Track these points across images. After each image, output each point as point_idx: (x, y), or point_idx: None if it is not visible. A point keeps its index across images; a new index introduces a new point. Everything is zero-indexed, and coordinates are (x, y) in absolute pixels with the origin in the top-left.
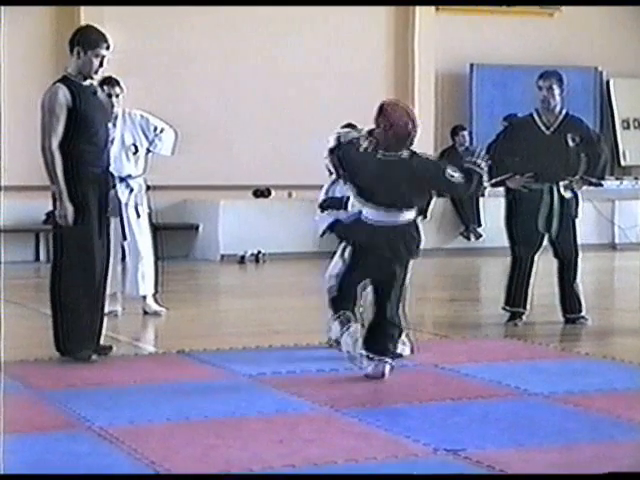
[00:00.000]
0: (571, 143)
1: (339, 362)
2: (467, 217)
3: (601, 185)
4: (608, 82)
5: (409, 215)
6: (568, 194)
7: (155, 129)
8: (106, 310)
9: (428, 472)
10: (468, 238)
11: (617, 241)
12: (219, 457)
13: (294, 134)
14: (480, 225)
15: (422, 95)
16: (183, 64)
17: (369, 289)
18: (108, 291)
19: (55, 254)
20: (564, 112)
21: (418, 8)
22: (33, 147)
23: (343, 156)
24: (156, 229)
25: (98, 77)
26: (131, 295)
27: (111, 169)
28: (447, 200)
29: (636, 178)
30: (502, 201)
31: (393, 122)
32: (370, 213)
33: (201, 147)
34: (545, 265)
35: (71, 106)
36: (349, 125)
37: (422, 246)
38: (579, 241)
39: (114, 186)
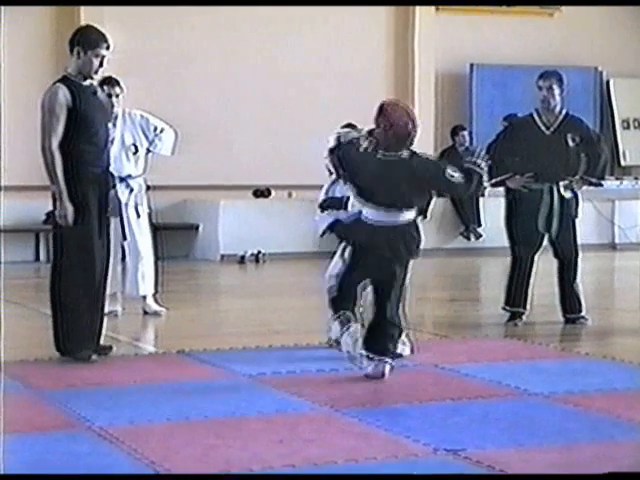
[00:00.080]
0: (571, 143)
1: (339, 362)
2: (467, 217)
3: (601, 185)
4: (608, 82)
5: (409, 215)
6: (568, 194)
7: (155, 129)
8: (106, 310)
9: (428, 472)
10: (468, 238)
11: (617, 241)
12: (219, 457)
13: (294, 134)
14: (480, 225)
15: (422, 95)
16: (183, 64)
17: (369, 289)
18: (108, 291)
19: (55, 254)
20: (564, 112)
21: (418, 8)
22: (33, 147)
23: (343, 156)
24: (156, 229)
25: (98, 77)
26: (131, 295)
27: (111, 169)
28: (447, 200)
29: (636, 178)
30: (502, 201)
31: (393, 122)
32: (370, 213)
33: (201, 147)
34: (545, 265)
35: (71, 106)
36: (349, 125)
37: (422, 246)
38: (579, 241)
39: (114, 186)
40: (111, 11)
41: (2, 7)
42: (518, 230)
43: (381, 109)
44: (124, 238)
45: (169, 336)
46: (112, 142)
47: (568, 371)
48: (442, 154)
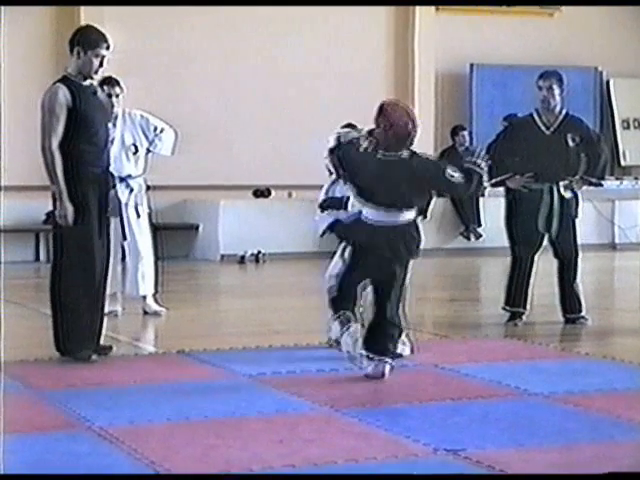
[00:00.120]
0: (571, 143)
1: (339, 362)
2: (467, 217)
3: (601, 185)
4: (608, 82)
5: (409, 215)
6: (568, 194)
7: (155, 129)
8: (106, 310)
9: (428, 472)
10: (468, 238)
11: (617, 241)
12: (219, 457)
13: (294, 134)
14: (480, 225)
15: (422, 95)
16: (183, 64)
17: (369, 289)
18: (108, 291)
19: (55, 254)
20: (564, 112)
21: (418, 8)
22: (33, 147)
23: (343, 156)
24: (156, 229)
25: (98, 77)
26: (131, 295)
27: (111, 169)
28: (447, 200)
29: (636, 178)
30: (502, 201)
31: (393, 122)
32: (370, 213)
33: (201, 147)
34: (545, 265)
35: (71, 106)
36: (349, 125)
37: (422, 246)
38: (579, 241)
39: (114, 186)
40: (111, 11)
41: (2, 7)
42: (518, 230)
43: (381, 109)
44: (124, 238)
45: (169, 336)
46: (112, 142)
47: (568, 371)
48: (442, 154)
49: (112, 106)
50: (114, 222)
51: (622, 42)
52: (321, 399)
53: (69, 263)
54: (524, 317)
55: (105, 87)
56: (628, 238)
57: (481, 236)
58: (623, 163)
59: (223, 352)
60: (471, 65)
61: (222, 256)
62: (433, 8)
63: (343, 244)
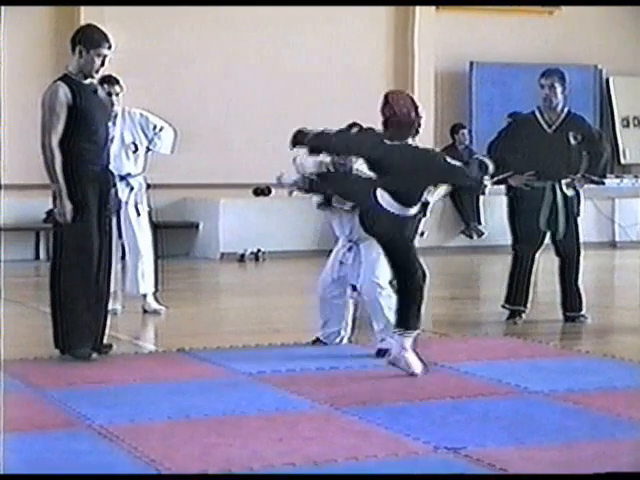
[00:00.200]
0: (573, 141)
1: (339, 360)
2: (467, 215)
3: (603, 183)
4: (608, 80)
5: (412, 211)
6: (570, 192)
7: (154, 127)
8: None
9: (428, 470)
10: (470, 236)
11: (617, 239)
12: (219, 455)
13: None
14: (480, 223)
15: (422, 93)
16: (183, 64)
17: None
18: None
19: (54, 252)
20: (566, 110)
21: (418, 7)
22: (33, 146)
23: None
24: (156, 227)
25: (98, 76)
26: (131, 293)
27: (111, 167)
28: (447, 198)
29: (636, 176)
30: (503, 199)
31: (397, 110)
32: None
33: (201, 146)
34: (546, 263)
35: (71, 104)
36: (354, 124)
37: (423, 245)
38: (580, 239)
39: (115, 184)
40: (111, 11)
41: (2, 7)
42: (520, 228)
43: (386, 99)
44: (119, 236)
45: (169, 334)
46: (112, 141)
47: (568, 369)
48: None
49: (112, 105)
50: (116, 220)
51: (622, 40)
52: (321, 397)
53: (68, 261)
54: (524, 315)
55: (105, 86)
56: (628, 236)
57: (483, 234)
58: (623, 161)
59: (223, 350)
60: (471, 63)
61: (222, 254)
62: (433, 7)
63: (340, 244)
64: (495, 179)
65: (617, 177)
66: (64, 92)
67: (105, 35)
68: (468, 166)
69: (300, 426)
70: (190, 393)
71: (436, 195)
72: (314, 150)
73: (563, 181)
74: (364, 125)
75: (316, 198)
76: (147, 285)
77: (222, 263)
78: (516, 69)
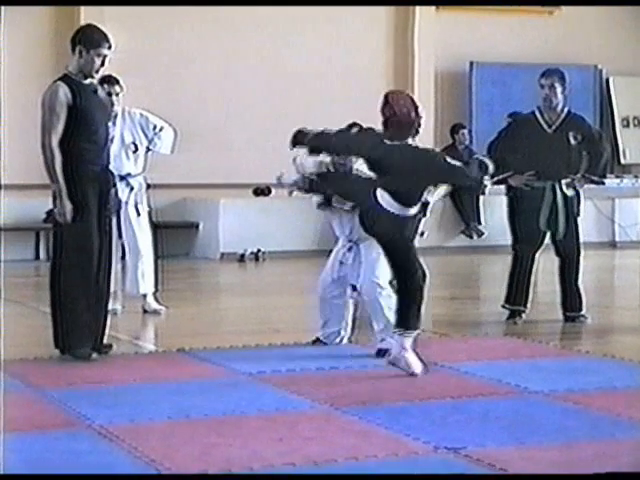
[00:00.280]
0: (573, 141)
1: (339, 360)
2: (467, 215)
3: (603, 183)
4: (608, 80)
5: (412, 211)
6: (570, 192)
7: (154, 127)
8: None
9: (428, 470)
10: (470, 236)
11: (617, 239)
12: (219, 455)
13: None
14: (480, 223)
15: (422, 93)
16: (183, 64)
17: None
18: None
19: (54, 252)
20: (566, 110)
21: (418, 7)
22: (33, 146)
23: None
24: (156, 227)
25: (98, 76)
26: (131, 293)
27: (111, 167)
28: (447, 198)
29: (636, 176)
30: (503, 199)
31: (397, 110)
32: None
33: (201, 146)
34: (546, 263)
35: (71, 104)
36: (354, 124)
37: (423, 245)
38: (580, 239)
39: (115, 184)
40: (111, 11)
41: (2, 7)
42: (520, 228)
43: (386, 99)
44: (119, 236)
45: (169, 334)
46: (112, 141)
47: (568, 369)
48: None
49: (112, 105)
50: (116, 220)
51: (622, 40)
52: (321, 397)
53: (68, 261)
54: (524, 315)
55: (105, 86)
56: (628, 236)
57: (483, 234)
58: (623, 161)
59: (223, 350)
60: (471, 63)
61: (222, 254)
62: (433, 7)
63: (340, 244)
64: (495, 179)
65: (617, 177)
66: (64, 92)
67: (105, 35)
68: (468, 166)
69: (300, 426)
70: (190, 393)
71: (436, 195)
72: (314, 150)
73: (563, 181)
74: (364, 125)
75: (316, 198)
76: (147, 285)
77: (222, 263)
78: (516, 69)
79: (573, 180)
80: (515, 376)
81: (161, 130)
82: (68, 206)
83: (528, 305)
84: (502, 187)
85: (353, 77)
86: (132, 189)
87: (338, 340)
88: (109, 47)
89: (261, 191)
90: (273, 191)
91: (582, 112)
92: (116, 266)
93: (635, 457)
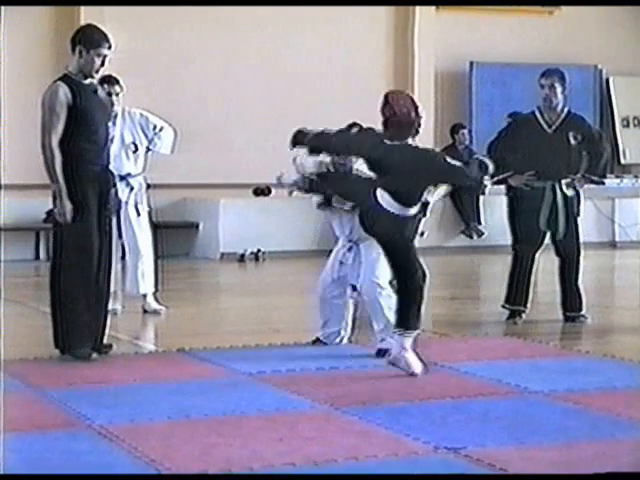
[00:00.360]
0: (573, 141)
1: (339, 360)
2: (467, 215)
3: (603, 183)
4: (608, 80)
5: (412, 211)
6: (570, 192)
7: (154, 127)
8: None
9: (428, 470)
10: (471, 237)
11: (617, 239)
12: (219, 455)
13: None
14: (480, 223)
15: (422, 93)
16: (183, 64)
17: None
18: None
19: (54, 252)
20: (566, 110)
21: (418, 7)
22: (33, 146)
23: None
24: (156, 227)
25: (98, 76)
26: (131, 293)
27: (111, 167)
28: (447, 198)
29: (636, 176)
30: (503, 199)
31: (397, 110)
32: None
33: (201, 146)
34: (546, 263)
35: (71, 104)
36: (354, 124)
37: (423, 245)
38: (581, 239)
39: (115, 184)
40: (111, 11)
41: (2, 7)
42: (520, 228)
43: (386, 99)
44: (119, 236)
45: (169, 334)
46: (112, 141)
47: (568, 369)
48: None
49: (112, 105)
50: (116, 220)
51: (622, 40)
52: (321, 397)
53: (68, 261)
54: (524, 315)
55: (105, 86)
56: (628, 236)
57: (483, 234)
58: (623, 161)
59: (223, 350)
60: (471, 63)
61: (222, 254)
62: (433, 7)
63: (340, 244)
64: (495, 179)
65: (617, 177)
66: (64, 92)
67: (105, 35)
68: (468, 166)
69: (300, 426)
70: (190, 393)
71: (436, 195)
72: (314, 150)
73: (563, 181)
74: (364, 125)
75: (316, 198)
76: (147, 285)
77: (222, 263)
78: (516, 69)
79: (573, 180)
80: (515, 376)
81: (161, 130)
82: (68, 206)
83: (528, 305)
84: (502, 187)
85: (353, 77)
86: (132, 189)
87: (338, 340)
88: (109, 47)
89: (261, 191)
90: (273, 191)
91: (582, 112)
92: (116, 266)
93: (635, 457)
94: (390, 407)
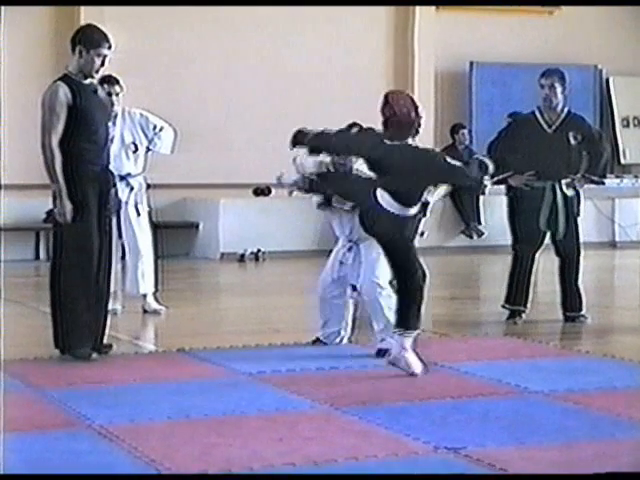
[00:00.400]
0: (573, 141)
1: (339, 360)
2: (467, 215)
3: (603, 183)
4: (608, 80)
5: (412, 211)
6: (570, 192)
7: (154, 127)
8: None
9: (428, 470)
10: (470, 237)
11: (617, 239)
12: (219, 455)
13: None
14: (480, 223)
15: (422, 93)
16: (183, 64)
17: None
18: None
19: (54, 252)
20: (566, 110)
21: (418, 7)
22: (33, 146)
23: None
24: (156, 227)
25: (98, 76)
26: (131, 293)
27: (111, 167)
28: (447, 198)
29: (636, 176)
30: (503, 199)
31: (397, 110)
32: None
33: (201, 146)
34: (546, 263)
35: (71, 104)
36: (354, 124)
37: (423, 245)
38: (580, 239)
39: (115, 184)
40: (111, 11)
41: (2, 7)
42: (520, 228)
43: (386, 99)
44: (119, 236)
45: (169, 334)
46: (112, 141)
47: (568, 369)
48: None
49: (112, 105)
50: (116, 220)
51: (622, 40)
52: (321, 397)
53: (68, 261)
54: (524, 315)
55: (105, 86)
56: (628, 236)
57: (483, 234)
58: (623, 161)
59: (223, 350)
60: (471, 63)
61: (222, 254)
62: (433, 7)
63: (340, 244)
64: (495, 179)
65: (617, 177)
66: (64, 92)
67: (105, 35)
68: (468, 166)
69: (300, 426)
70: (190, 393)
71: (436, 195)
72: (314, 150)
73: (563, 181)
74: (364, 125)
75: (316, 198)
76: (147, 285)
77: (222, 263)
78: (516, 69)
79: (573, 180)
80: (515, 376)
81: (161, 130)
82: (68, 206)
83: (528, 305)
84: (502, 187)
85: (353, 77)
86: (132, 189)
87: (338, 340)
88: (109, 47)
89: (261, 191)
90: (273, 191)
91: (582, 112)
92: (116, 266)
93: (635, 457)
94: (390, 407)
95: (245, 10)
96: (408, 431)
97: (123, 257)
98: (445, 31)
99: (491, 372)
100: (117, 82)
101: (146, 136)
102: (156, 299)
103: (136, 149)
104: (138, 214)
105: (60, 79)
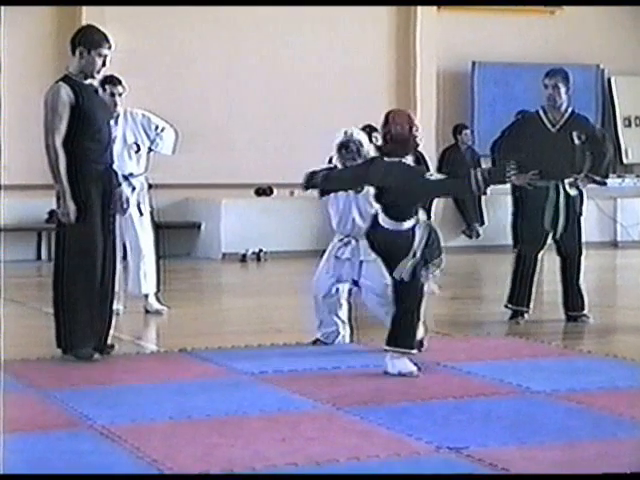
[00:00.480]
0: (576, 141)
1: (341, 360)
2: (469, 215)
3: (605, 184)
4: (610, 80)
5: (407, 224)
6: (573, 192)
7: (156, 128)
8: None
9: (430, 470)
10: (470, 237)
11: (619, 239)
12: (221, 455)
13: (296, 133)
14: (483, 223)
15: (424, 93)
16: (184, 64)
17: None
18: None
19: (57, 252)
20: (570, 110)
21: (420, 7)
22: (34, 146)
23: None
24: (158, 227)
25: (99, 76)
26: (133, 293)
27: (114, 167)
28: (449, 199)
29: (638, 176)
30: (505, 199)
31: (392, 128)
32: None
33: (203, 146)
34: (548, 263)
35: (74, 104)
36: (368, 127)
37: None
38: (583, 239)
39: (119, 184)
40: (112, 11)
41: (2, 7)
42: (524, 228)
43: (386, 118)
44: (120, 236)
45: (171, 334)
46: (114, 141)
47: (570, 369)
48: (444, 153)
49: (115, 105)
50: (118, 220)
51: (623, 40)
52: (323, 397)
53: (72, 262)
54: (527, 315)
55: (107, 86)
56: (630, 236)
57: (480, 235)
58: (625, 161)
59: (225, 350)
60: (473, 63)
61: (224, 254)
62: (435, 7)
63: (335, 239)
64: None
65: (619, 177)
66: (66, 92)
67: (105, 35)
68: (469, 176)
69: (302, 426)
70: (192, 393)
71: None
72: (327, 192)
73: (566, 180)
74: (373, 125)
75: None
76: (149, 285)
77: (224, 263)
78: (518, 69)
79: (576, 180)
80: (517, 376)
81: (162, 130)
82: (72, 207)
83: (531, 305)
84: (505, 187)
85: (355, 78)
86: (134, 189)
87: (338, 339)
88: (109, 47)
89: (263, 191)
90: (275, 191)
91: (584, 112)
92: (118, 266)
93: (637, 457)
94: (392, 407)
95: (246, 10)
96: (410, 431)
97: (125, 257)
98: (447, 31)
99: (493, 372)
100: (120, 82)
101: (148, 136)
102: (158, 299)
103: (138, 149)
104: (140, 214)
105: (61, 79)
